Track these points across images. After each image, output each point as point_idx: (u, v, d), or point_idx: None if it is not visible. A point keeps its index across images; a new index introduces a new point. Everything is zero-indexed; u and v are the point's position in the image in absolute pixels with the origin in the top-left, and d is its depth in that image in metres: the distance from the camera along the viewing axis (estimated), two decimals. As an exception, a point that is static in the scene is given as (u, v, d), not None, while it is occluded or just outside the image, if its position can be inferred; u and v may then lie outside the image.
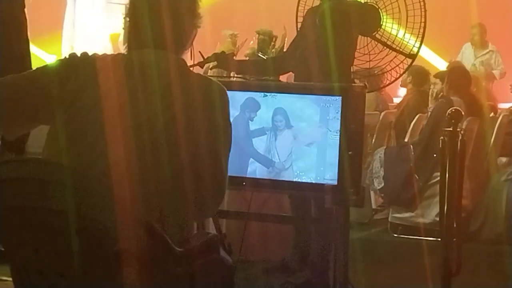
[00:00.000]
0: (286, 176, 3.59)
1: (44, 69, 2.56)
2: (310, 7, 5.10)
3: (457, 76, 6.99)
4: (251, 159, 3.64)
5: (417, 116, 7.17)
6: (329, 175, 3.51)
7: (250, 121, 3.64)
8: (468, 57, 10.32)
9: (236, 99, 3.64)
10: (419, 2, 4.90)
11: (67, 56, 2.57)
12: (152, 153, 2.39)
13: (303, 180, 3.56)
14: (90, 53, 2.56)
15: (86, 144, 2.40)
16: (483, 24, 10.35)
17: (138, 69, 2.48)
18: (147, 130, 2.40)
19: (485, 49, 10.39)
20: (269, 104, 3.62)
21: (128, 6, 2.58)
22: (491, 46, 10.41)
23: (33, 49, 4.82)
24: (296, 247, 4.87)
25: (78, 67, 2.49)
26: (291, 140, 3.57)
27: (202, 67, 4.94)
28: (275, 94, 3.63)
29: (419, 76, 7.98)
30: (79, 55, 2.55)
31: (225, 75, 5.71)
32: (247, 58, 8.65)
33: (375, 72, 5.22)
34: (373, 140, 7.48)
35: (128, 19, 2.57)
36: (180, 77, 2.49)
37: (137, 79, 2.47)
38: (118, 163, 2.33)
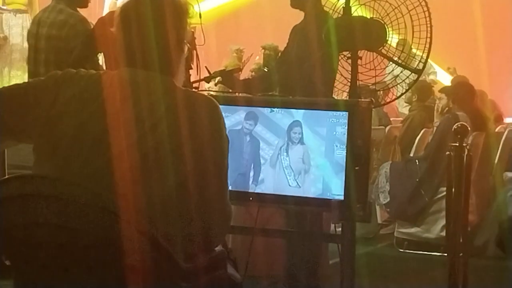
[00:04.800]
0: (293, 192, 3.58)
1: (32, 87, 2.56)
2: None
3: (461, 91, 7.01)
4: (259, 174, 3.64)
5: (422, 131, 7.17)
6: (335, 191, 3.51)
7: (253, 135, 3.64)
8: None
9: (239, 114, 3.65)
10: (425, 17, 4.90)
11: (49, 76, 2.56)
12: (145, 171, 2.39)
13: (310, 195, 3.56)
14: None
15: (81, 161, 2.39)
16: None
17: (129, 87, 2.49)
18: (137, 149, 2.40)
19: None
20: (284, 117, 3.62)
21: (119, 24, 2.58)
22: None
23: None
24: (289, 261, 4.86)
25: (60, 87, 2.49)
26: (301, 155, 3.57)
27: (208, 82, 4.96)
28: (281, 109, 3.63)
29: (423, 92, 8.01)
30: (61, 73, 2.55)
31: (230, 90, 5.73)
32: (252, 73, 8.69)
33: (374, 88, 5.23)
34: (378, 155, 7.49)
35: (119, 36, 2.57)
36: (166, 95, 2.50)
37: (128, 96, 2.47)
38: (117, 179, 2.33)
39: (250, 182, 3.63)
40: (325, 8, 5.11)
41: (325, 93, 4.62)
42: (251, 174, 3.63)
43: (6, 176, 2.29)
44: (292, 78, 4.79)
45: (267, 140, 3.64)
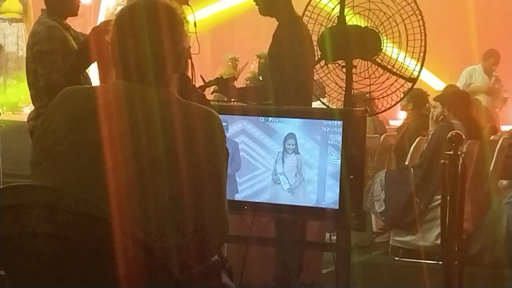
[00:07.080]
0: (288, 200, 3.59)
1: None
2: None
3: (456, 99, 7.02)
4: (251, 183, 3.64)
5: (417, 139, 7.18)
6: (330, 200, 3.51)
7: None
8: (480, 79, 10.39)
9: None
10: (419, 26, 4.92)
11: (49, 107, 2.57)
12: (140, 184, 2.38)
13: (305, 204, 3.56)
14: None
15: (77, 174, 2.39)
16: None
17: (124, 100, 2.47)
18: (133, 162, 2.39)
19: (492, 75, 10.47)
20: (280, 125, 3.62)
21: (114, 35, 2.54)
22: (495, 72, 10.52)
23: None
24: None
25: (54, 114, 2.51)
26: (295, 164, 3.58)
27: (203, 91, 4.95)
28: (275, 118, 3.64)
29: (418, 100, 8.01)
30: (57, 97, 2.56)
31: (225, 99, 5.73)
32: (248, 82, 8.70)
33: (369, 96, 5.24)
34: (374, 163, 7.49)
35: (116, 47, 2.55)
36: (162, 109, 2.48)
37: (124, 110, 2.45)
38: (113, 192, 2.33)
39: (235, 184, 3.63)
40: (319, 17, 5.11)
41: (297, 99, 4.57)
42: (235, 175, 3.64)
43: (0, 186, 2.29)
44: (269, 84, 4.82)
45: (269, 148, 3.64)
